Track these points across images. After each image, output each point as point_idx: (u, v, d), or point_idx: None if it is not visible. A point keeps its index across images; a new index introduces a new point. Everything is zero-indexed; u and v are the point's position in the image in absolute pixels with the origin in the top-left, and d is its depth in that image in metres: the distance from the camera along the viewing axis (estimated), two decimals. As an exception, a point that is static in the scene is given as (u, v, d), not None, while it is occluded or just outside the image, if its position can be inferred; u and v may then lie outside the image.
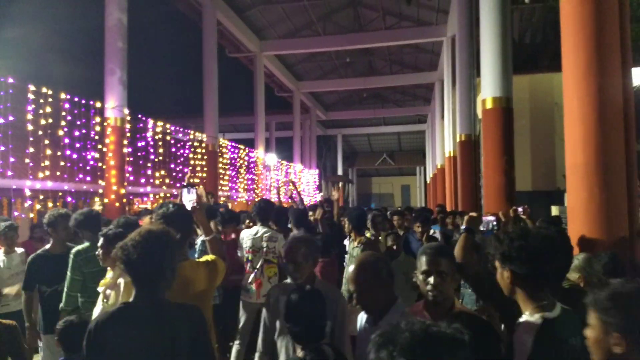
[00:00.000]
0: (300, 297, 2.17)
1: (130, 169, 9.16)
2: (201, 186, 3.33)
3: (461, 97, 10.70)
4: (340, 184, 27.78)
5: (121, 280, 2.76)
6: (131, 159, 9.37)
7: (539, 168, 11.75)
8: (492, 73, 6.48)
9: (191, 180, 8.95)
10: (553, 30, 12.09)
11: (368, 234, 5.57)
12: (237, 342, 4.60)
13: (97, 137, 8.48)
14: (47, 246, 3.86)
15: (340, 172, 32.43)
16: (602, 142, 3.31)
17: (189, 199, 2.83)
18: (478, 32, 7.19)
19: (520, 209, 2.94)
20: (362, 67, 21.48)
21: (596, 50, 3.38)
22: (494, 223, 2.64)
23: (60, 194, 7.95)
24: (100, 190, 8.52)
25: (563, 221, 6.30)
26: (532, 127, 11.80)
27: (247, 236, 4.72)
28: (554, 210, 10.21)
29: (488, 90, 6.51)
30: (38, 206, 7.44)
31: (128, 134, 8.94)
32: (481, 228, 2.60)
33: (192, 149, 12.02)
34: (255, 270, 4.59)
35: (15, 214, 7.23)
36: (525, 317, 1.74)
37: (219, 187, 12.79)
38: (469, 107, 10.45)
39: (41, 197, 7.65)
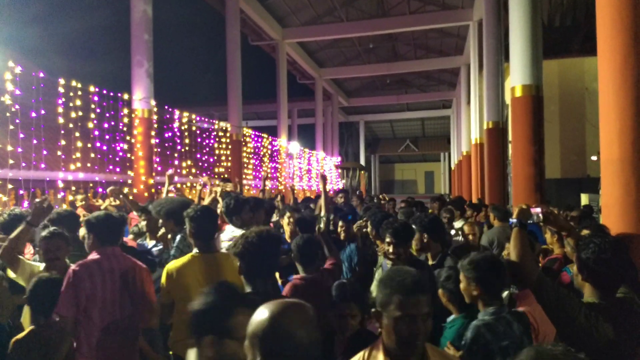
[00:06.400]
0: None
1: (157, 159, 9.32)
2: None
3: (488, 83, 10.47)
4: (360, 172, 27.40)
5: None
6: (159, 149, 9.52)
7: (569, 155, 11.48)
8: (522, 60, 6.31)
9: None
10: (584, 12, 11.67)
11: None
12: None
13: (125, 129, 8.63)
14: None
15: (362, 159, 32.19)
16: (640, 135, 3.20)
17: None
18: (506, 16, 7.00)
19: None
20: (386, 53, 21.18)
21: (635, 37, 3.24)
22: (540, 215, 2.47)
23: (91, 184, 8.16)
24: (130, 181, 8.70)
25: (594, 209, 6.13)
26: (562, 113, 11.51)
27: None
28: (584, 199, 9.97)
29: (517, 78, 6.35)
30: (70, 197, 7.66)
31: (155, 125, 9.07)
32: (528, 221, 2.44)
33: (217, 139, 12.12)
34: None
35: (50, 204, 7.45)
36: None
37: (244, 176, 12.90)
38: (497, 93, 10.22)
39: (73, 188, 7.87)
